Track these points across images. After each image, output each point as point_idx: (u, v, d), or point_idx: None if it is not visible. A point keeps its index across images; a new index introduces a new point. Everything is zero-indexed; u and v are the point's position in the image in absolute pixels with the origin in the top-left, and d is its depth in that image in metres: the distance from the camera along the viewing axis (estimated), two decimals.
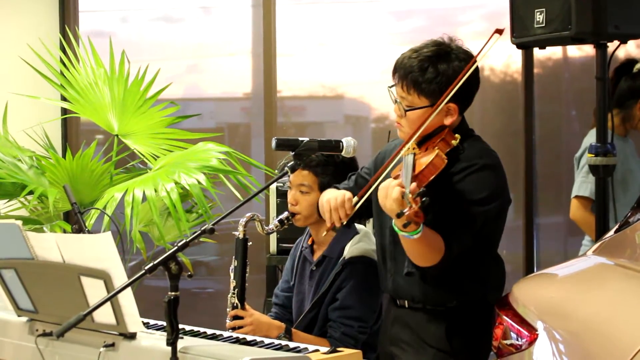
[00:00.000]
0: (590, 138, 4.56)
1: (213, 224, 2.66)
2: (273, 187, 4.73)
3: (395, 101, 3.11)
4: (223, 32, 6.09)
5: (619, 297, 2.55)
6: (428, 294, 3.14)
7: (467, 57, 3.08)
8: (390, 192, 2.77)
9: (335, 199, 3.08)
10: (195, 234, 2.66)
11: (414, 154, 2.91)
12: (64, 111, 5.59)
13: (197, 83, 6.32)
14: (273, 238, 4.85)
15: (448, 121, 3.07)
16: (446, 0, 5.79)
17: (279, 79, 5.87)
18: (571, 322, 2.53)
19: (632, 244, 2.85)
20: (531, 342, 2.56)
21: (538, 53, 5.39)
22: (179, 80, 5.93)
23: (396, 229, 2.83)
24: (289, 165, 2.96)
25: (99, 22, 6.36)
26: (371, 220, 3.68)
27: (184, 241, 2.62)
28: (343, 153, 3.12)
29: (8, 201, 4.91)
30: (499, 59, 5.55)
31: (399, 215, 2.70)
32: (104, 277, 2.70)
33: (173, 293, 2.59)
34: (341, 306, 3.49)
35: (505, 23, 5.44)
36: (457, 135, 3.05)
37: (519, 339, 2.66)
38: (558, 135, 5.68)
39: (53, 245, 2.82)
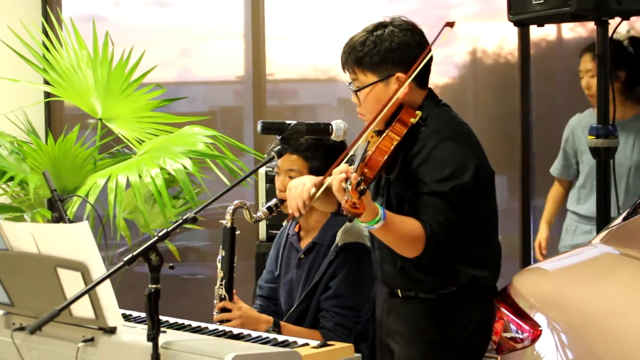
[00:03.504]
0: (574, 121, 4.70)
1: (195, 212, 2.53)
2: (262, 172, 4.59)
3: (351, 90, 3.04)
4: (216, 16, 6.02)
5: (628, 290, 2.41)
6: (416, 280, 3.01)
7: (404, 24, 3.02)
8: (333, 183, 2.74)
9: (295, 187, 2.99)
10: (177, 223, 2.53)
11: (367, 143, 2.85)
12: (47, 95, 5.44)
13: (190, 66, 6.25)
14: (262, 224, 4.72)
15: (401, 94, 2.95)
16: None
17: (272, 62, 5.82)
18: (577, 317, 2.39)
19: None
20: (534, 338, 2.42)
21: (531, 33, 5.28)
22: (171, 64, 5.86)
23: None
24: (275, 149, 2.81)
25: (91, 6, 6.27)
26: None
27: (164, 231, 2.48)
28: (333, 136, 2.98)
29: None
30: (493, 40, 5.44)
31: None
32: (81, 268, 2.57)
33: (153, 285, 2.45)
34: (334, 295, 3.34)
35: (497, 5, 5.37)
36: (417, 112, 2.95)
37: (521, 333, 2.52)
38: (554, 116, 5.56)
39: (27, 236, 2.69)
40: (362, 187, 2.59)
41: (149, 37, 5.99)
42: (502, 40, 5.40)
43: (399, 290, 3.10)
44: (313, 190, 2.96)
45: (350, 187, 2.59)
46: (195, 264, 6.18)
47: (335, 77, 5.90)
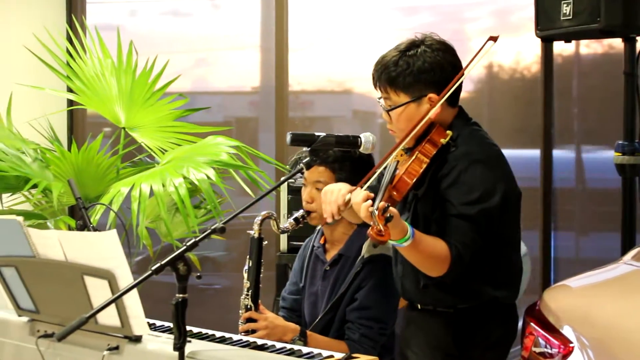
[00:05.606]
0: None
1: (224, 223, 2.52)
2: (284, 183, 4.58)
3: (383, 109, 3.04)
4: (232, 26, 6.05)
5: None
6: (437, 297, 3.02)
7: (437, 43, 3.01)
8: (357, 208, 2.74)
9: (331, 192, 2.94)
10: (206, 233, 2.52)
11: (397, 162, 2.86)
12: (70, 103, 5.46)
13: (205, 76, 6.27)
14: (284, 236, 4.71)
15: (432, 115, 2.94)
16: None
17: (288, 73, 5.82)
18: (608, 332, 2.37)
19: None
20: (565, 354, 2.40)
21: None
22: (187, 74, 5.87)
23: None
24: (304, 161, 2.81)
25: (107, 15, 6.30)
26: None
27: (192, 240, 2.48)
28: (361, 149, 2.99)
29: (11, 195, 4.77)
30: (510, 54, 5.43)
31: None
32: (109, 277, 2.58)
33: (181, 295, 2.46)
34: (361, 306, 3.34)
35: (514, 20, 5.38)
36: (448, 132, 2.95)
37: (550, 348, 2.50)
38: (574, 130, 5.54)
39: (55, 243, 2.70)
40: (388, 215, 2.59)
41: (164, 46, 6.00)
42: (519, 55, 5.40)
43: (418, 304, 3.11)
44: (348, 196, 2.89)
45: (377, 213, 2.59)
46: (210, 273, 6.16)
47: (351, 89, 5.92)
